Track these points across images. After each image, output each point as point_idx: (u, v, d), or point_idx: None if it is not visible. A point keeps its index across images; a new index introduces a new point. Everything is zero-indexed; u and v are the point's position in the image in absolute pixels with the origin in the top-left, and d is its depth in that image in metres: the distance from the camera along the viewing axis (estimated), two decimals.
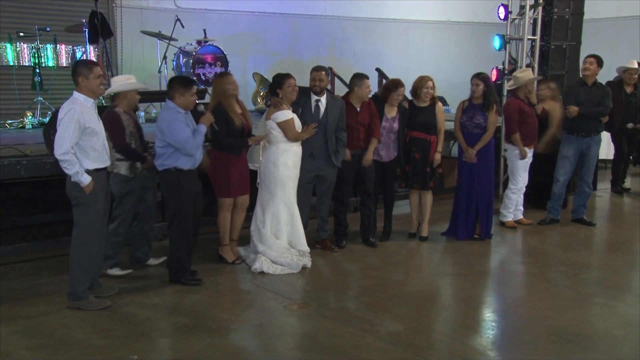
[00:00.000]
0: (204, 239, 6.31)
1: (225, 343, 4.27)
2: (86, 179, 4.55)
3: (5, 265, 5.75)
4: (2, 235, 6.04)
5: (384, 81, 9.49)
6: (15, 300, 4.97)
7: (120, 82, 5.42)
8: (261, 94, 9.93)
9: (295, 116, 5.85)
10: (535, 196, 7.90)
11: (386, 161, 6.51)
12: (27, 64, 8.25)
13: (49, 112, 7.90)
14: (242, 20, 11.38)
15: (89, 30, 8.39)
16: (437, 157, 6.56)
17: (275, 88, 5.83)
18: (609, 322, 4.71)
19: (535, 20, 8.44)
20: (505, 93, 8.40)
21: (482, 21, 12.72)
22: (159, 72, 9.29)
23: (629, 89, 8.99)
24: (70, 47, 8.50)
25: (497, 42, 8.59)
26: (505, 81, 8.49)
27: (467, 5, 13.29)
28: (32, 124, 7.77)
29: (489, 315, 4.98)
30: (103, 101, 8.09)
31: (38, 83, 8.23)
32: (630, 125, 8.96)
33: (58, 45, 8.38)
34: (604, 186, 9.65)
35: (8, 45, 8.10)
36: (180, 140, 5.07)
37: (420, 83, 6.52)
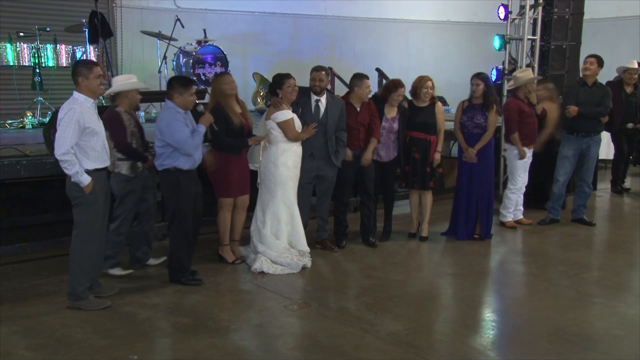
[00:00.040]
0: (204, 239, 6.31)
1: (225, 343, 4.27)
2: (86, 179, 4.55)
3: (5, 265, 5.75)
4: (2, 235, 6.04)
5: (384, 81, 9.50)
6: (15, 300, 4.97)
7: (122, 82, 5.42)
8: (261, 94, 9.93)
9: (295, 116, 5.85)
10: (535, 196, 7.90)
11: (386, 161, 6.51)
12: (27, 64, 8.24)
13: (49, 112, 7.89)
14: (242, 20, 11.38)
15: (89, 30, 8.39)
16: (437, 156, 6.56)
17: (275, 88, 5.83)
18: (609, 322, 4.71)
19: (535, 20, 8.44)
20: (505, 93, 8.40)
21: (482, 21, 12.72)
22: (159, 72, 9.29)
23: (629, 89, 8.99)
24: (70, 47, 8.50)
25: (497, 42, 8.59)
26: (505, 81, 8.49)
27: (467, 5, 13.29)
28: (32, 124, 7.77)
29: (489, 315, 4.98)
30: (103, 101, 8.09)
31: (38, 83, 8.23)
32: (630, 125, 8.96)
33: (58, 45, 8.38)
34: (604, 186, 9.65)
35: (8, 45, 8.09)
36: (179, 140, 5.07)
37: (420, 83, 6.52)
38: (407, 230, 6.96)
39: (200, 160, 5.34)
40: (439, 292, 5.48)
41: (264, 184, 5.85)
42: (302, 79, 6.18)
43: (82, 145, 4.57)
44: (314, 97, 6.10)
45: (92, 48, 8.50)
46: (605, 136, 8.89)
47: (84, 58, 8.27)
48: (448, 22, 13.49)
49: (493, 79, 8.69)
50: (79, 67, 4.69)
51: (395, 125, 6.44)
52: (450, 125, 6.93)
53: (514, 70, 8.10)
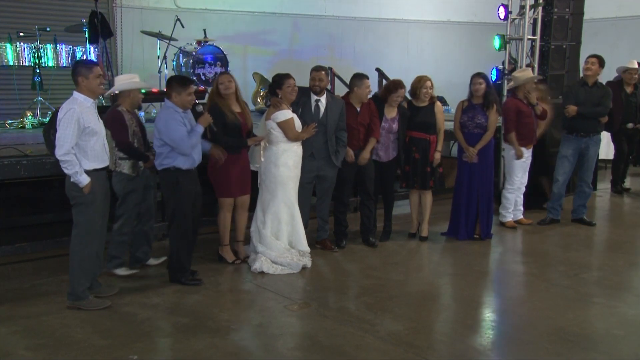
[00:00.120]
0: (204, 239, 6.32)
1: (225, 343, 4.27)
2: (85, 179, 4.55)
3: (5, 265, 5.75)
4: (2, 235, 6.04)
5: (384, 81, 9.51)
6: (15, 300, 4.97)
7: (124, 81, 5.43)
8: (261, 94, 9.93)
9: (295, 116, 5.85)
10: (531, 196, 7.89)
11: (385, 161, 6.51)
12: (27, 64, 8.24)
13: (49, 112, 7.89)
14: (242, 20, 11.39)
15: (89, 30, 8.39)
16: (437, 156, 6.57)
17: (274, 88, 5.83)
18: (609, 322, 4.71)
19: (535, 20, 8.43)
20: (505, 93, 8.41)
21: (482, 21, 12.71)
22: (159, 72, 9.29)
23: (629, 89, 8.99)
24: (70, 47, 8.50)
25: (497, 42, 8.59)
26: (506, 81, 8.49)
27: (467, 5, 13.29)
28: (32, 124, 7.77)
29: (489, 315, 4.98)
30: (103, 101, 8.10)
31: (38, 83, 8.23)
32: (630, 125, 8.96)
33: (58, 45, 8.38)
34: (604, 186, 9.65)
35: (8, 45, 8.10)
36: (175, 139, 5.08)
37: (419, 83, 6.52)
38: (407, 230, 6.96)
39: (200, 160, 5.34)
40: (439, 292, 5.49)
41: (265, 184, 5.85)
42: (302, 79, 6.18)
43: (81, 145, 4.58)
44: (313, 97, 6.10)
45: (92, 48, 8.50)
46: (605, 136, 8.90)
47: (84, 58, 8.27)
48: (448, 22, 13.49)
49: (493, 79, 8.69)
50: (78, 67, 4.69)
51: (395, 126, 6.44)
52: (449, 125, 6.93)
53: (514, 70, 8.10)
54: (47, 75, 8.50)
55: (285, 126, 5.73)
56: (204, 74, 9.38)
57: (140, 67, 9.77)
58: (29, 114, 7.90)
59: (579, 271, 5.87)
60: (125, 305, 4.87)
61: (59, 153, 4.51)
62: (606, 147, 9.79)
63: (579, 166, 7.46)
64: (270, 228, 5.80)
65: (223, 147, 5.58)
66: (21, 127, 7.75)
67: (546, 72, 8.39)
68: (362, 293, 5.28)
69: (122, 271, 5.52)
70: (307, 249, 5.88)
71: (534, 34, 8.44)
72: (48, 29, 8.30)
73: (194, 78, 9.10)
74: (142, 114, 8.17)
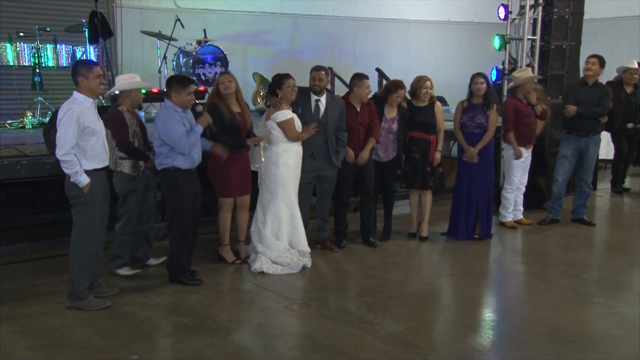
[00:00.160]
0: (204, 239, 6.32)
1: (225, 343, 4.27)
2: (85, 180, 4.56)
3: (5, 265, 5.75)
4: (2, 235, 6.04)
5: (384, 81, 9.51)
6: (15, 300, 4.97)
7: (125, 81, 5.43)
8: (261, 94, 9.93)
9: (295, 116, 5.85)
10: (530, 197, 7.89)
11: (384, 161, 6.51)
12: (27, 64, 8.24)
13: (49, 112, 7.89)
14: (242, 20, 11.38)
15: (89, 30, 8.39)
16: (437, 156, 6.57)
17: (274, 88, 5.83)
18: (609, 322, 4.71)
19: (535, 20, 8.43)
20: (505, 93, 8.41)
21: (482, 21, 12.71)
22: (159, 72, 9.28)
23: (629, 89, 8.99)
24: (70, 47, 8.49)
25: (497, 42, 8.59)
26: (506, 81, 8.50)
27: (467, 5, 13.28)
28: (32, 124, 7.76)
29: (489, 315, 4.98)
30: (103, 101, 8.09)
31: (38, 83, 8.22)
32: (630, 125, 8.96)
33: (58, 45, 8.38)
34: (604, 186, 9.65)
35: (8, 45, 8.09)
36: (174, 138, 5.08)
37: (419, 83, 6.53)
38: (407, 230, 6.96)
39: (200, 160, 5.34)
40: (439, 292, 5.49)
41: (265, 184, 5.85)
42: (302, 79, 6.18)
43: (81, 145, 4.58)
44: (313, 97, 6.10)
45: (92, 48, 8.50)
46: (605, 136, 8.90)
47: (84, 58, 8.26)
48: (448, 22, 13.49)
49: (493, 79, 8.70)
50: (78, 66, 4.70)
51: (395, 126, 6.44)
52: (449, 125, 6.93)
53: (513, 70, 8.11)
54: (47, 75, 8.50)
55: (285, 126, 5.73)
56: (204, 74, 9.38)
57: (140, 67, 9.77)
58: (29, 114, 7.89)
59: (579, 271, 5.87)
60: (125, 305, 4.87)
61: (60, 153, 4.51)
62: (606, 147, 9.79)
63: (578, 166, 7.46)
64: (270, 228, 5.80)
65: (215, 152, 5.57)
66: (21, 127, 7.75)
67: (546, 72, 8.39)
68: (362, 293, 5.28)
69: (124, 271, 5.53)
70: (307, 249, 5.88)
71: (534, 34, 8.44)
72: (48, 29, 8.29)
73: (194, 78, 9.10)
74: (142, 114, 8.17)
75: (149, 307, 4.86)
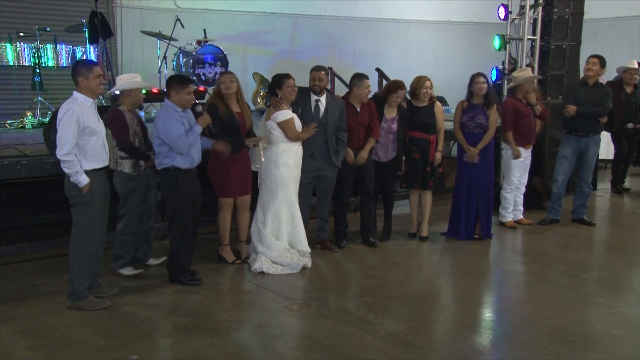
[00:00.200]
0: (204, 239, 6.32)
1: (225, 343, 4.27)
2: (84, 179, 4.56)
3: (5, 265, 5.75)
4: (2, 235, 6.04)
5: (384, 81, 9.51)
6: (15, 300, 4.97)
7: (126, 81, 5.43)
8: (261, 94, 9.93)
9: (295, 116, 5.85)
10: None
11: (384, 161, 6.51)
12: (27, 64, 8.24)
13: (49, 112, 7.89)
14: (242, 20, 11.38)
15: (89, 30, 8.38)
16: (438, 156, 6.57)
17: (274, 88, 5.83)
18: (609, 322, 4.71)
19: (535, 20, 8.43)
20: (505, 93, 8.41)
21: (482, 21, 12.71)
22: (159, 72, 9.29)
23: (629, 89, 8.99)
24: (70, 47, 8.49)
25: (497, 42, 8.60)
26: (506, 81, 8.50)
27: (467, 5, 13.29)
28: (32, 124, 7.77)
29: (489, 315, 4.98)
30: (103, 101, 8.09)
31: (38, 83, 8.22)
32: (630, 125, 8.96)
33: (58, 45, 8.38)
34: (604, 186, 9.65)
35: (8, 45, 8.09)
36: (172, 137, 5.08)
37: (418, 84, 6.53)
38: (407, 230, 6.96)
39: (200, 160, 5.34)
40: (439, 292, 5.49)
41: (265, 184, 5.85)
42: (302, 79, 6.18)
43: (81, 145, 4.58)
44: (313, 97, 6.10)
45: (92, 48, 8.50)
46: (605, 136, 8.90)
47: (84, 58, 8.26)
48: (448, 22, 13.49)
49: (493, 79, 8.71)
50: (78, 66, 4.70)
51: (394, 126, 6.44)
52: (449, 125, 6.93)
53: (514, 70, 8.11)
54: (47, 75, 8.50)
55: (285, 126, 5.73)
56: (204, 74, 9.38)
57: (140, 67, 9.77)
58: (29, 114, 7.89)
59: (579, 271, 5.87)
60: (125, 305, 4.87)
61: (61, 153, 4.51)
62: (606, 147, 9.79)
63: (578, 166, 7.46)
64: (270, 228, 5.80)
65: (217, 149, 5.56)
66: (21, 127, 7.75)
67: (546, 72, 8.39)
68: (362, 293, 5.28)
69: (127, 271, 5.53)
70: (307, 249, 5.88)
71: (534, 34, 8.44)
72: (48, 29, 8.29)
73: (194, 78, 9.10)
74: (142, 113, 8.17)
75: (149, 307, 4.86)
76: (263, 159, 5.82)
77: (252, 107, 9.60)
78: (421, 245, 6.69)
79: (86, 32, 8.41)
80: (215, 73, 9.34)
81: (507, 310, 5.08)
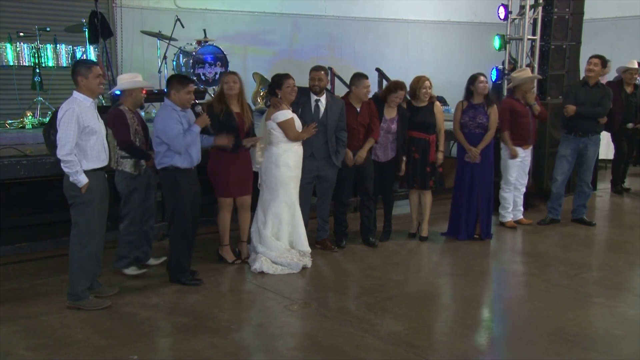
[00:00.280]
0: (204, 239, 6.32)
1: (225, 343, 4.27)
2: (84, 179, 4.56)
3: (5, 265, 5.75)
4: (2, 235, 6.04)
5: (384, 81, 9.50)
6: (15, 300, 4.97)
7: (127, 80, 5.43)
8: (261, 94, 9.92)
9: (295, 116, 5.85)
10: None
11: (383, 161, 6.51)
12: (27, 64, 8.24)
13: (49, 112, 7.89)
14: (242, 20, 11.38)
15: (89, 30, 8.38)
16: (440, 156, 6.58)
17: (274, 88, 5.83)
18: (609, 322, 4.71)
19: (535, 20, 8.43)
20: (505, 93, 8.41)
21: (482, 21, 12.71)
22: (159, 72, 9.29)
23: (629, 89, 8.99)
24: (70, 47, 8.49)
25: (497, 42, 8.60)
26: (506, 81, 8.50)
27: (467, 5, 13.29)
28: (32, 124, 7.76)
29: (489, 315, 4.99)
30: (103, 101, 8.09)
31: (38, 83, 8.22)
32: (630, 125, 8.96)
33: (58, 45, 8.38)
34: (604, 186, 9.65)
35: (8, 45, 8.09)
36: (170, 136, 5.09)
37: (418, 84, 6.53)
38: (407, 230, 6.96)
39: (200, 160, 5.34)
40: (439, 292, 5.48)
41: (265, 185, 5.85)
42: (302, 79, 6.18)
43: (81, 144, 4.59)
44: (313, 97, 6.10)
45: (92, 48, 8.50)
46: (605, 136, 8.90)
47: (84, 58, 8.26)
48: (448, 22, 13.49)
49: (493, 79, 8.71)
50: (78, 66, 4.71)
51: (394, 127, 6.44)
52: (449, 125, 6.93)
53: (514, 70, 8.11)
54: (47, 75, 8.49)
55: (285, 126, 5.73)
56: (204, 74, 9.38)
57: (140, 67, 9.76)
58: (29, 114, 7.89)
59: (579, 271, 5.87)
60: (125, 305, 4.87)
61: (61, 153, 4.52)
62: (606, 147, 9.79)
63: (578, 166, 7.46)
64: (270, 228, 5.80)
65: (218, 145, 5.55)
66: (21, 127, 7.75)
67: (546, 72, 8.39)
68: (362, 293, 5.28)
69: (131, 271, 5.53)
70: (307, 249, 5.88)
71: (534, 34, 8.44)
72: (48, 29, 8.29)
73: (194, 78, 9.10)
74: (142, 113, 8.17)
75: (149, 307, 4.86)
76: (260, 159, 5.82)
77: (252, 107, 9.60)
78: (421, 245, 6.69)
79: (86, 32, 8.41)
80: (216, 73, 9.34)
81: (507, 310, 5.08)
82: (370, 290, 5.29)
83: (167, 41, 9.29)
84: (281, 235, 5.82)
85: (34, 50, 8.17)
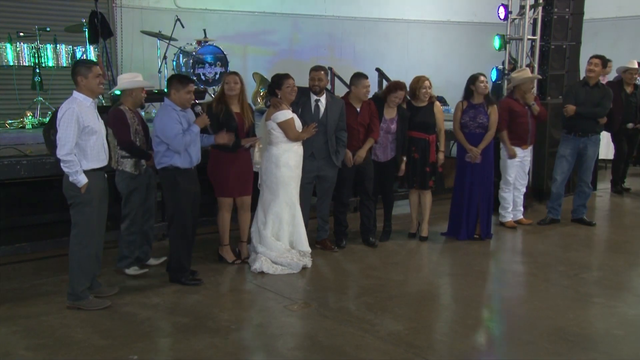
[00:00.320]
0: (204, 239, 6.32)
1: (225, 343, 4.27)
2: (83, 179, 4.57)
3: (5, 265, 5.75)
4: (2, 235, 6.04)
5: (384, 81, 9.51)
6: (15, 300, 4.97)
7: (127, 80, 5.43)
8: (261, 94, 9.93)
9: (295, 116, 5.85)
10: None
11: (383, 161, 6.51)
12: (27, 64, 8.24)
13: (49, 112, 7.90)
14: (242, 20, 11.39)
15: (89, 30, 8.39)
16: (441, 156, 6.59)
17: (274, 88, 5.83)
18: (609, 322, 4.71)
19: (535, 20, 8.44)
20: (505, 93, 8.42)
21: (482, 21, 12.72)
22: (159, 72, 9.29)
23: (629, 89, 8.98)
24: (70, 47, 8.49)
25: (497, 42, 8.60)
26: (506, 81, 8.50)
27: (467, 5, 13.30)
28: (32, 124, 7.77)
29: (489, 315, 4.98)
30: (103, 101, 8.09)
31: (38, 83, 8.22)
32: (630, 125, 8.96)
33: (58, 45, 8.38)
34: (604, 186, 9.65)
35: (8, 45, 8.09)
36: (169, 135, 5.09)
37: (418, 84, 6.53)
38: (407, 230, 6.95)
39: (199, 160, 5.34)
40: (439, 292, 5.48)
41: (266, 185, 5.85)
42: (302, 79, 6.18)
43: (80, 144, 4.59)
44: (313, 97, 6.09)
45: (92, 48, 8.50)
46: (605, 136, 8.90)
47: (84, 58, 8.26)
48: (448, 22, 13.49)
49: (493, 79, 8.71)
50: (78, 66, 4.71)
51: (393, 127, 6.43)
52: (449, 125, 6.93)
53: (514, 70, 8.11)
54: (47, 75, 8.50)
55: (285, 126, 5.73)
56: (204, 74, 9.38)
57: (140, 67, 9.76)
58: (29, 114, 7.89)
59: (579, 271, 5.87)
60: (125, 305, 4.87)
61: (61, 153, 4.52)
62: (606, 147, 9.79)
63: (578, 166, 7.46)
64: (271, 229, 5.80)
65: (216, 145, 5.55)
66: (21, 127, 7.75)
67: (546, 72, 8.39)
68: (362, 293, 5.28)
69: (133, 270, 5.53)
70: (308, 249, 5.88)
71: (534, 34, 8.45)
72: (48, 29, 8.29)
73: (194, 78, 9.10)
74: (142, 113, 8.16)
75: (149, 307, 4.86)
76: (258, 159, 5.82)
77: (253, 108, 9.60)
78: (421, 245, 6.69)
79: (86, 32, 8.41)
80: (216, 73, 9.34)
81: (507, 310, 5.08)
82: (370, 290, 5.29)
83: (167, 41, 9.29)
84: (281, 235, 5.82)
85: (34, 50, 8.17)
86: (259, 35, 11.59)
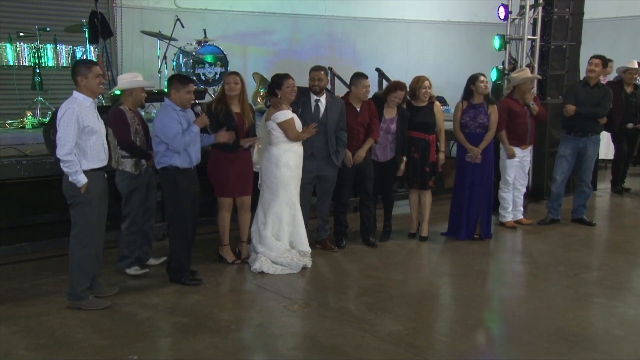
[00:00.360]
0: (204, 239, 6.32)
1: (225, 343, 4.27)
2: (83, 179, 4.57)
3: (5, 265, 5.75)
4: (2, 235, 6.04)
5: (384, 81, 9.51)
6: (15, 300, 4.97)
7: (127, 80, 5.44)
8: (261, 94, 9.93)
9: (295, 116, 5.85)
10: None
11: (382, 161, 6.51)
12: (27, 64, 8.23)
13: (49, 112, 7.89)
14: (242, 20, 11.39)
15: (89, 30, 8.39)
16: (441, 157, 6.59)
17: (274, 88, 5.83)
18: (609, 322, 4.71)
19: (535, 20, 8.44)
20: (505, 93, 8.42)
21: (482, 21, 12.72)
22: (159, 72, 9.29)
23: (629, 89, 8.98)
24: (70, 47, 8.49)
25: (497, 42, 8.60)
26: (506, 82, 8.50)
27: (467, 5, 13.29)
28: (32, 124, 7.76)
29: (489, 315, 4.98)
30: (103, 101, 8.09)
31: (38, 83, 8.22)
32: (630, 125, 8.96)
33: (58, 45, 8.38)
34: (604, 186, 9.65)
35: (8, 45, 8.09)
36: (168, 135, 5.09)
37: (418, 84, 6.53)
38: (407, 230, 6.95)
39: (199, 160, 5.34)
40: (439, 292, 5.49)
41: (266, 185, 5.85)
42: (302, 79, 6.18)
43: (80, 144, 4.59)
44: (313, 97, 6.09)
45: (92, 48, 8.50)
46: (605, 136, 8.90)
47: (84, 58, 8.26)
48: (448, 22, 13.49)
49: (493, 79, 8.70)
50: (78, 66, 4.71)
51: (393, 127, 6.43)
52: (449, 125, 6.93)
53: (514, 70, 8.11)
54: (47, 75, 8.50)
55: (285, 126, 5.73)
56: (204, 74, 9.38)
57: (140, 67, 9.76)
58: (29, 114, 7.89)
59: (579, 271, 5.87)
60: (125, 305, 4.87)
61: (61, 153, 4.52)
62: (606, 147, 9.79)
63: (578, 166, 7.47)
64: (271, 229, 5.80)
65: (216, 144, 5.55)
66: (21, 127, 7.75)
67: (546, 72, 8.40)
68: (362, 293, 5.28)
69: (133, 270, 5.53)
70: (308, 249, 5.88)
71: (534, 34, 8.45)
72: (48, 29, 8.29)
73: (194, 78, 9.10)
74: (142, 113, 8.16)
75: (149, 307, 4.86)
76: (257, 159, 5.82)
77: (253, 108, 9.60)
78: (421, 245, 6.69)
79: (86, 32, 8.41)
80: (215, 73, 9.34)
81: (507, 310, 5.08)
82: (370, 290, 5.29)
83: (167, 41, 9.29)
84: (281, 235, 5.82)
85: (34, 50, 8.17)
86: (259, 35, 11.59)
